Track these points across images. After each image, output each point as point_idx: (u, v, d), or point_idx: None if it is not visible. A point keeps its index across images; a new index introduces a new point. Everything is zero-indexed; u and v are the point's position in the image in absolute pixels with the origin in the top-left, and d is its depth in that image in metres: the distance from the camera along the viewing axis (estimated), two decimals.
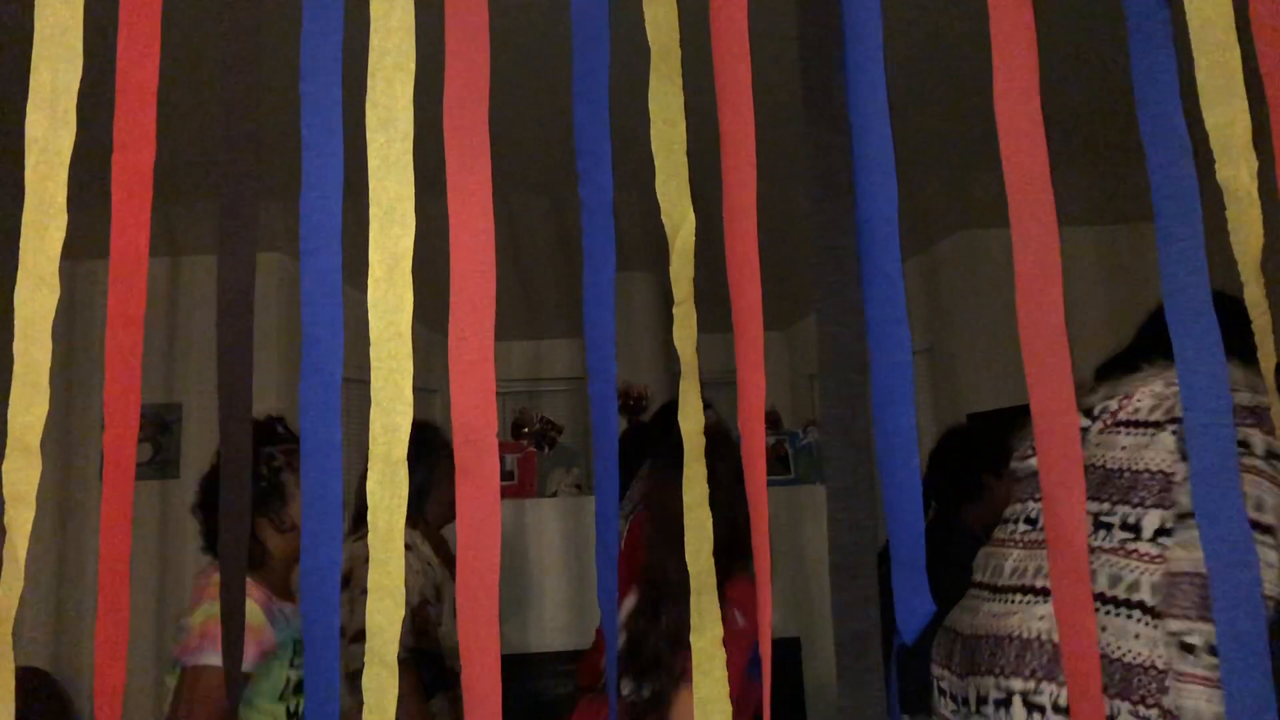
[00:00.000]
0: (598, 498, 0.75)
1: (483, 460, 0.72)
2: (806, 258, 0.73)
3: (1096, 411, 1.36)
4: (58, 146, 0.77)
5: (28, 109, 0.78)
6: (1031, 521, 1.39)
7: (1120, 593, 1.22)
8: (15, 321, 0.75)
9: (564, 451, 4.12)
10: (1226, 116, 0.70)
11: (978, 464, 2.45)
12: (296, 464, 1.62)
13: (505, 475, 3.90)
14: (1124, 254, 3.32)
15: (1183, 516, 1.20)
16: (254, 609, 1.54)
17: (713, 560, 0.73)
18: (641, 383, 3.83)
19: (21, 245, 0.76)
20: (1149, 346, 1.42)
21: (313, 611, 0.71)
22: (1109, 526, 1.27)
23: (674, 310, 0.76)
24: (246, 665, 1.49)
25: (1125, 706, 1.17)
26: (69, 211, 0.78)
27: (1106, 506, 1.28)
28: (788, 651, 3.50)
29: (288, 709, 1.60)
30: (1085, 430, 1.36)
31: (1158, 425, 1.28)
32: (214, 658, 1.46)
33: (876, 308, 0.73)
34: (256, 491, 1.62)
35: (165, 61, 0.81)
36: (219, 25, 0.80)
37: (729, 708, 0.72)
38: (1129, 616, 1.20)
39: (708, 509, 0.73)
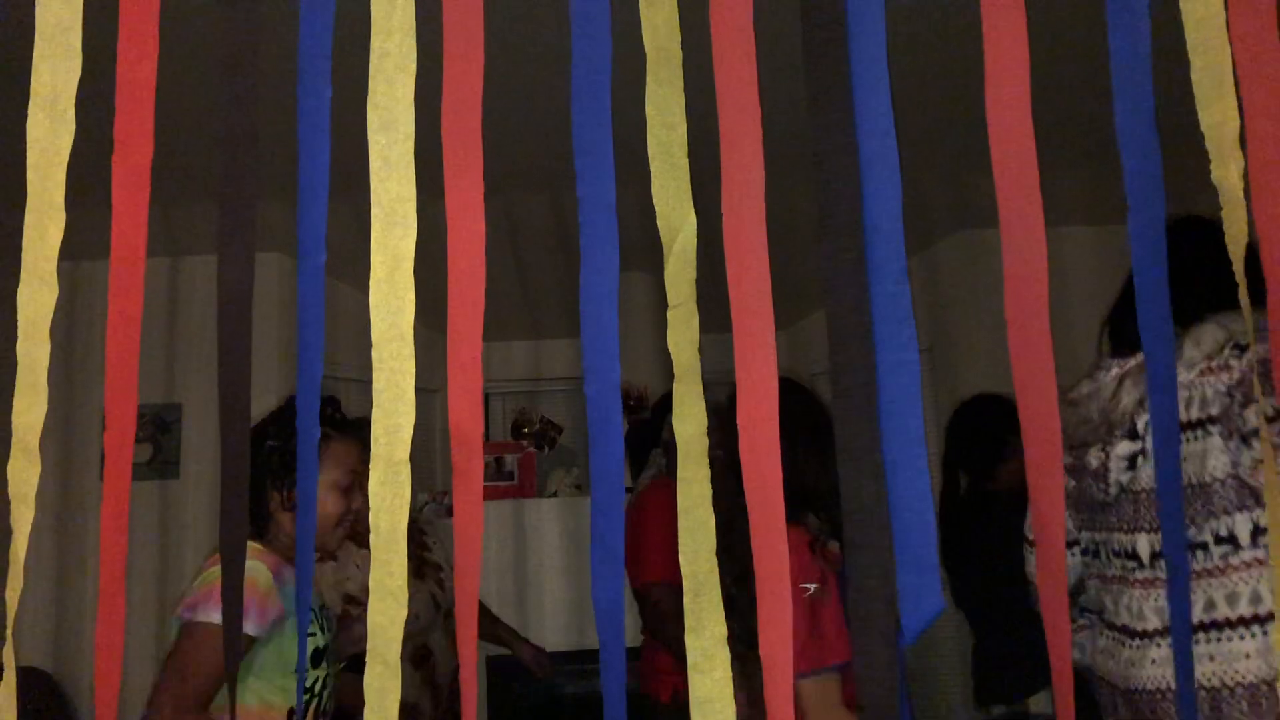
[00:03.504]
0: (596, 492, 0.74)
1: (472, 461, 0.74)
2: (807, 257, 0.73)
3: (1141, 430, 1.26)
4: (57, 146, 0.77)
5: (29, 108, 0.78)
6: (1124, 555, 1.30)
7: (1237, 611, 1.14)
8: (19, 322, 0.76)
9: (564, 451, 4.12)
10: (1218, 116, 0.70)
11: (1000, 426, 2.48)
12: (326, 448, 1.57)
13: (505, 475, 3.90)
14: (1119, 254, 3.33)
15: None
16: (262, 570, 1.48)
17: (715, 559, 0.73)
18: (641, 383, 3.83)
19: (24, 245, 0.76)
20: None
21: (303, 608, 0.71)
22: (1204, 546, 1.18)
23: (669, 313, 0.76)
24: (250, 628, 1.44)
25: None
26: (70, 212, 0.79)
27: (1194, 530, 1.19)
28: None
29: (309, 682, 1.54)
30: (1142, 451, 1.26)
31: (1201, 426, 1.20)
32: (214, 615, 1.40)
33: (882, 308, 0.73)
34: (272, 462, 1.57)
35: (165, 61, 0.81)
36: (218, 24, 0.80)
37: (732, 707, 0.72)
38: (1242, 638, 1.13)
39: (709, 509, 0.73)
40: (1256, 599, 1.14)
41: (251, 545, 1.54)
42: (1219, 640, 1.16)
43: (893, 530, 0.72)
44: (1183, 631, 0.72)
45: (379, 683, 0.70)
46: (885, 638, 0.69)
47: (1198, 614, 1.17)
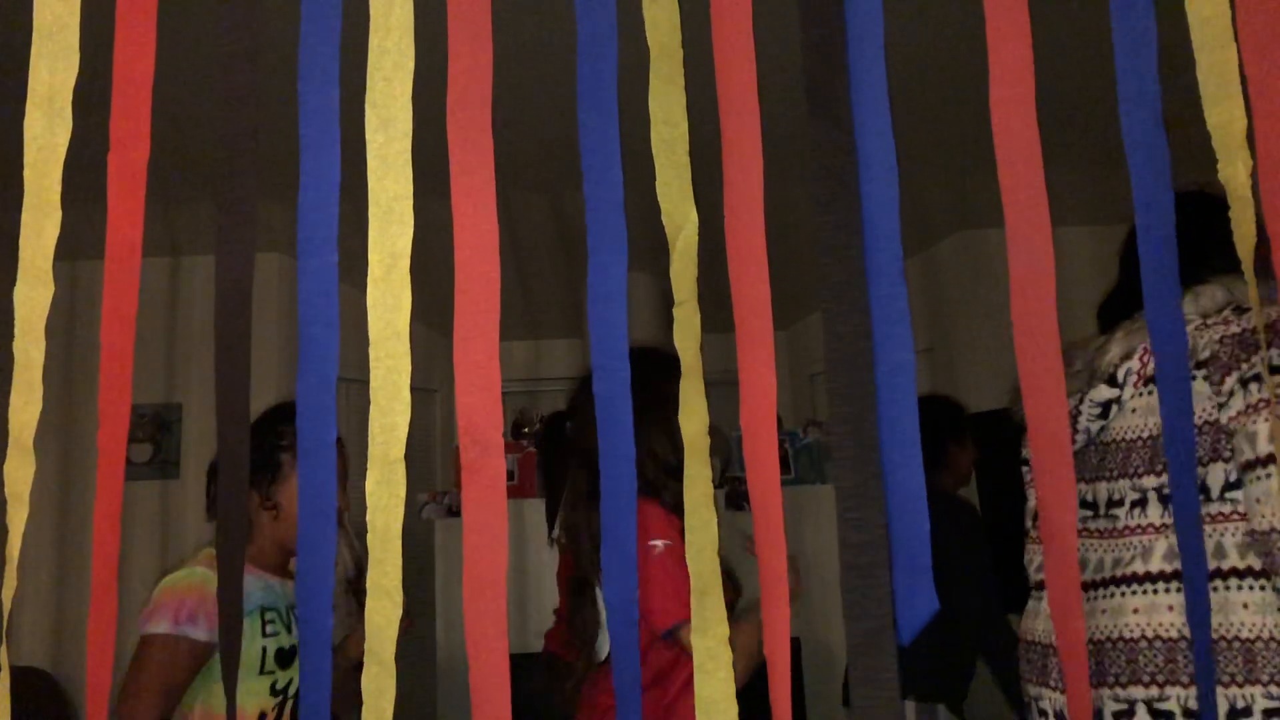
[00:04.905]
0: (607, 490, 0.74)
1: (489, 461, 0.73)
2: (807, 257, 0.73)
3: (1120, 378, 1.26)
4: (54, 144, 0.77)
5: (27, 107, 0.78)
6: (1080, 506, 1.30)
7: (1208, 565, 1.11)
8: (15, 320, 0.75)
9: None
10: (1225, 115, 0.70)
11: (941, 434, 2.51)
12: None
13: (505, 475, 3.89)
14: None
15: (1249, 466, 1.09)
16: (213, 578, 1.49)
17: (718, 560, 0.73)
18: None
19: (21, 243, 0.76)
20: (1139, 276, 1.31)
21: (308, 613, 0.71)
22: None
23: (675, 311, 0.75)
24: (204, 635, 1.45)
25: (1258, 692, 1.07)
26: (70, 211, 0.78)
27: (1167, 479, 1.16)
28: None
29: (273, 684, 1.54)
30: (1118, 400, 1.26)
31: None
32: (162, 625, 1.43)
33: (878, 308, 0.73)
34: (251, 464, 1.60)
35: (166, 60, 0.81)
36: (217, 22, 0.79)
37: (734, 707, 0.71)
38: (1227, 588, 1.11)
39: (712, 509, 0.73)
40: (1220, 554, 1.13)
41: (207, 552, 1.56)
42: (1169, 592, 1.16)
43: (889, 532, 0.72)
44: (1199, 584, 0.71)
45: (375, 683, 0.70)
46: (883, 636, 0.68)
47: (1157, 563, 1.17)
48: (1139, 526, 1.21)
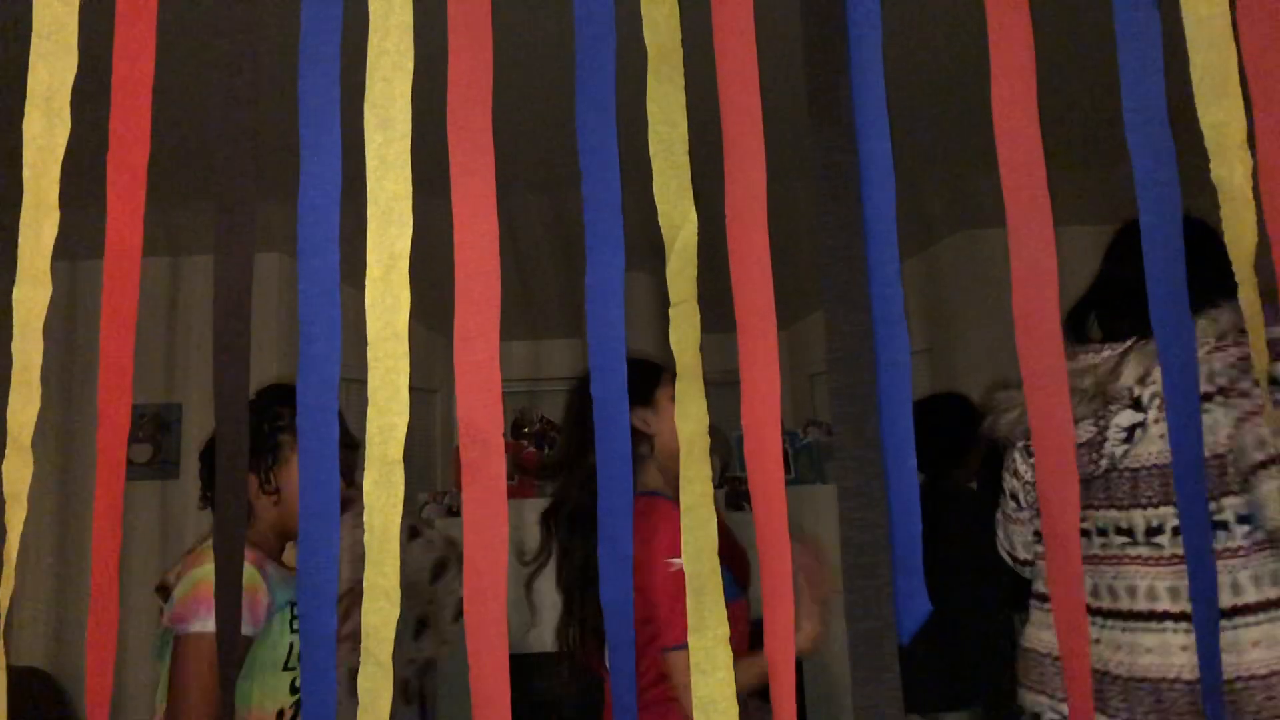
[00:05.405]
0: (604, 491, 0.74)
1: (490, 461, 0.73)
2: (808, 257, 0.73)
3: (1145, 401, 1.25)
4: (53, 144, 0.77)
5: (26, 107, 0.78)
6: (1114, 532, 1.29)
7: (1225, 601, 1.14)
8: (13, 320, 0.75)
9: None
10: (1221, 116, 0.70)
11: (958, 426, 2.49)
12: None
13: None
14: None
15: (1259, 466, 1.12)
16: (248, 569, 1.44)
17: (717, 560, 0.73)
18: None
19: (19, 243, 0.76)
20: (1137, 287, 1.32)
21: (310, 610, 0.71)
22: (1226, 525, 1.18)
23: (671, 310, 0.75)
24: (247, 628, 1.41)
25: None
26: (70, 211, 0.78)
27: (1214, 506, 1.19)
28: None
29: (293, 682, 1.50)
30: (1142, 424, 1.25)
31: (1208, 399, 1.20)
32: (209, 623, 1.38)
33: (875, 308, 0.73)
34: (251, 447, 1.56)
35: (166, 59, 0.81)
36: (217, 23, 0.79)
37: (734, 707, 0.71)
38: (1234, 627, 1.13)
39: (711, 509, 0.73)
40: (1236, 589, 1.14)
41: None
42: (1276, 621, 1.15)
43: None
44: (1208, 617, 0.72)
45: (371, 683, 0.70)
46: (885, 636, 0.68)
47: (1226, 598, 1.16)
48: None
